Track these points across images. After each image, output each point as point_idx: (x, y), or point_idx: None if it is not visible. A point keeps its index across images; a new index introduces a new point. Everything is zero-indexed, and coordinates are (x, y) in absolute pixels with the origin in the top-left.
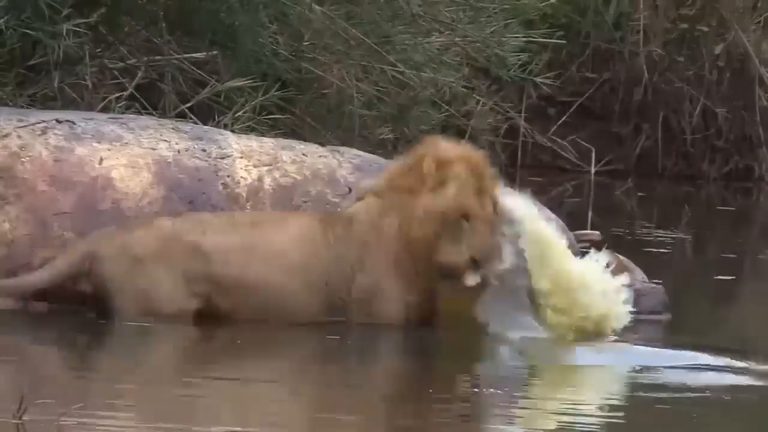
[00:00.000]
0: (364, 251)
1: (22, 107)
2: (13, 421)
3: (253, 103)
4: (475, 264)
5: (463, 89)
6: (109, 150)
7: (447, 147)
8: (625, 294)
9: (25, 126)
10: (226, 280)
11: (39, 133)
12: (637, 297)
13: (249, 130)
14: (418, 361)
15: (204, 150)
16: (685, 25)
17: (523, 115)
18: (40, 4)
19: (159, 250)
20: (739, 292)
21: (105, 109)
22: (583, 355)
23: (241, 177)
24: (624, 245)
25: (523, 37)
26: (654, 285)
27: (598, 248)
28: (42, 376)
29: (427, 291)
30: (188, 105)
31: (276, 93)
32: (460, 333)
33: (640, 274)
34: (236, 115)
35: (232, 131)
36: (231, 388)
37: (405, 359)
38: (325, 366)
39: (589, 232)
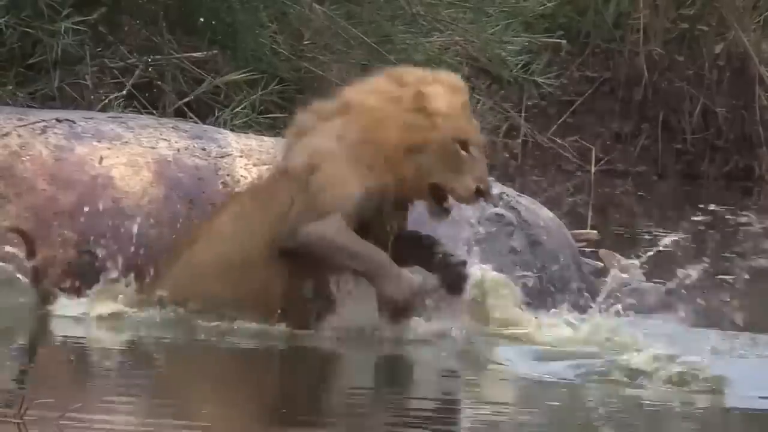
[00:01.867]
0: (305, 174)
1: (21, 106)
2: (14, 421)
3: (252, 98)
4: (480, 193)
5: None
6: (109, 149)
7: (416, 71)
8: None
9: (25, 125)
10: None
11: (39, 132)
12: (636, 297)
13: (247, 126)
14: None
15: (204, 149)
16: (685, 25)
17: (523, 114)
18: (39, 3)
19: None
20: (739, 292)
21: (105, 109)
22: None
23: (241, 176)
24: (624, 245)
25: (524, 36)
26: (653, 284)
27: (596, 248)
28: (42, 376)
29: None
30: (185, 101)
31: (275, 87)
32: None
33: (638, 274)
34: (234, 110)
35: (231, 129)
36: (230, 385)
37: None
38: None
39: (586, 231)
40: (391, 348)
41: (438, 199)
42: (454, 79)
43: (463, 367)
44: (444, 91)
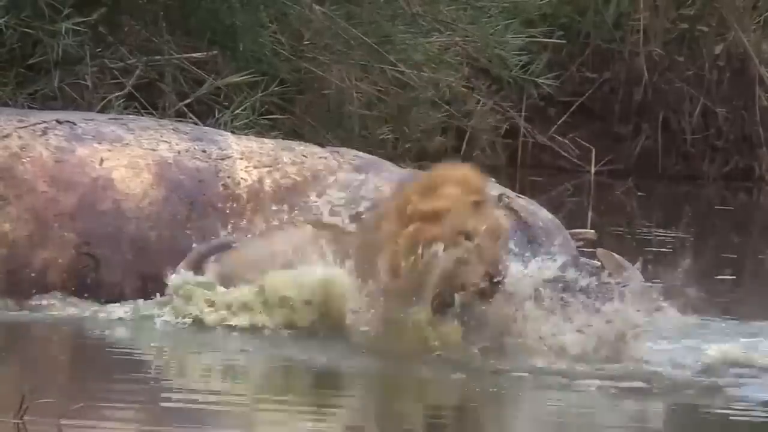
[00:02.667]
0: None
1: (22, 107)
2: (14, 421)
3: (252, 99)
4: (490, 280)
5: (463, 89)
6: (109, 151)
7: (437, 171)
8: None
9: (26, 126)
10: None
11: (39, 133)
12: (634, 296)
13: (248, 128)
14: None
15: (204, 151)
16: (685, 25)
17: (523, 114)
18: (39, 3)
19: None
20: (740, 292)
21: (105, 109)
22: None
23: (242, 178)
24: (624, 245)
25: (524, 36)
26: (650, 285)
27: (593, 247)
28: (42, 376)
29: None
30: (186, 102)
31: (276, 89)
32: None
33: (636, 274)
34: (235, 112)
35: (232, 131)
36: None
37: None
38: None
39: (583, 230)
40: None
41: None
42: (469, 176)
43: None
44: (450, 189)
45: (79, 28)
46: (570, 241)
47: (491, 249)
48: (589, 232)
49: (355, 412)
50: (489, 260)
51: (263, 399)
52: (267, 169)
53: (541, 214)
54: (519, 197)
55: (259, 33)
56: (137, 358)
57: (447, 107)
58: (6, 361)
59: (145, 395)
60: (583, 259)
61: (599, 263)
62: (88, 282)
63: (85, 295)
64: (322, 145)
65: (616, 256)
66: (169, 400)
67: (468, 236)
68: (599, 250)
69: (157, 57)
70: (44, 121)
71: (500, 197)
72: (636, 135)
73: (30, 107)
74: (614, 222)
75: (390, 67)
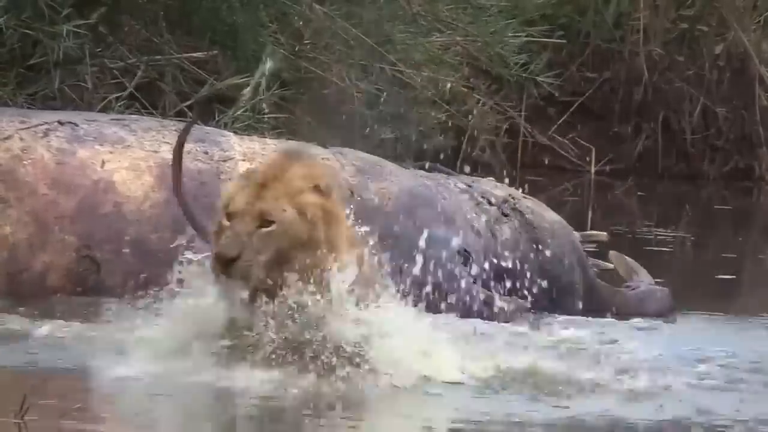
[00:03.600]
0: None
1: (21, 107)
2: (15, 421)
3: (252, 101)
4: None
5: (463, 89)
6: (111, 153)
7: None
8: None
9: (28, 128)
10: None
11: (41, 135)
12: (643, 300)
13: (249, 129)
14: None
15: (206, 152)
16: (685, 25)
17: (523, 114)
18: (40, 3)
19: None
20: (739, 292)
21: (105, 109)
22: None
23: None
24: (624, 245)
25: (524, 35)
26: (660, 288)
27: (600, 249)
28: (43, 377)
29: None
30: (187, 104)
31: (276, 91)
32: None
33: (647, 277)
34: (235, 114)
35: (235, 132)
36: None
37: None
38: None
39: (595, 233)
40: None
41: None
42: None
43: None
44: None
45: (79, 30)
46: (577, 242)
47: (236, 231)
48: (601, 235)
49: None
50: (224, 242)
51: (260, 397)
52: None
53: (547, 216)
54: (526, 198)
55: (259, 32)
56: (138, 357)
57: (447, 107)
58: (6, 361)
59: (144, 395)
60: (594, 260)
61: (611, 266)
62: (88, 285)
63: (86, 297)
64: (325, 146)
65: (628, 259)
66: (169, 400)
67: (229, 217)
68: (612, 253)
69: (158, 57)
70: (46, 122)
71: (506, 198)
72: (636, 135)
73: (29, 107)
74: (614, 222)
75: (390, 67)
